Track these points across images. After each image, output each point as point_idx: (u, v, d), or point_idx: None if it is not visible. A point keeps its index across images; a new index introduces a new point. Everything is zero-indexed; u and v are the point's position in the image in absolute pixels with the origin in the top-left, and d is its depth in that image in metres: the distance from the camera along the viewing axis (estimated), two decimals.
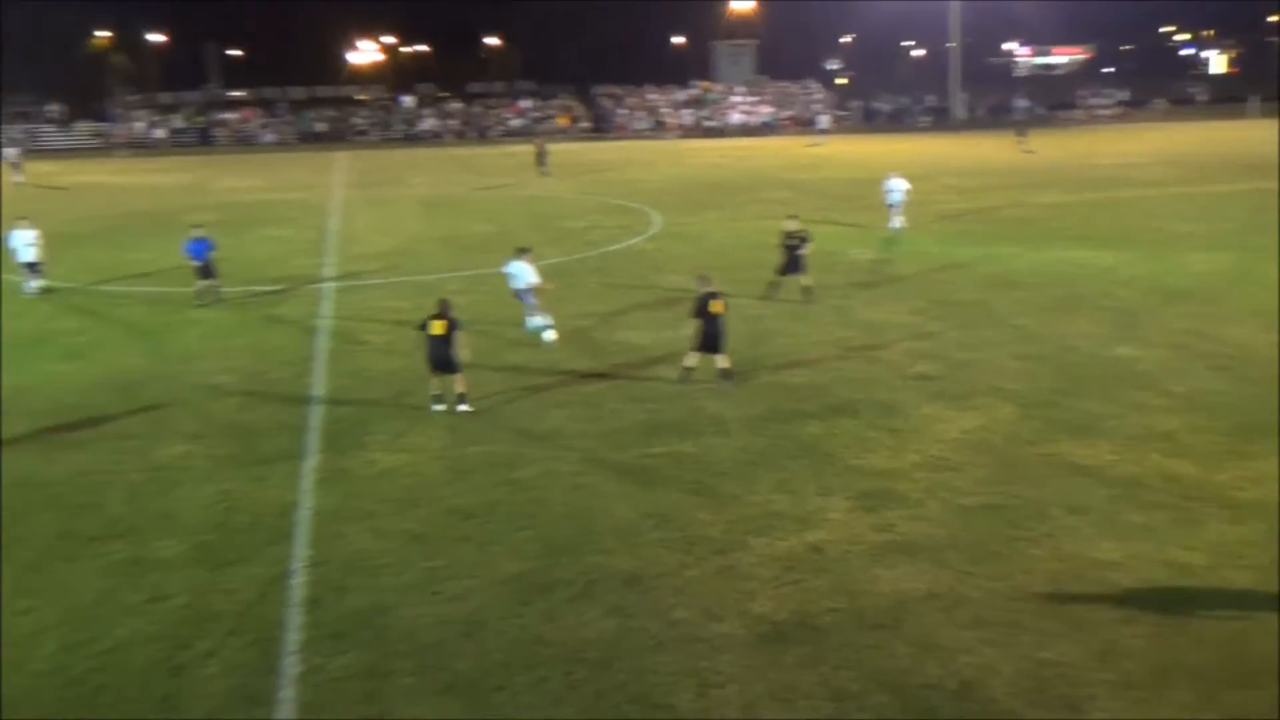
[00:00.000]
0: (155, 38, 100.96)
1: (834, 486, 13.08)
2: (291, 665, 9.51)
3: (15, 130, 74.17)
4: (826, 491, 12.94)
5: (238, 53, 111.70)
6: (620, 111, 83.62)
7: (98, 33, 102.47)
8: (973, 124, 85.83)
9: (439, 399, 16.24)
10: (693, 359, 17.07)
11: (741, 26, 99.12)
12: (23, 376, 18.44)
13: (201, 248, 23.44)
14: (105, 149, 71.31)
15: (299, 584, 10.97)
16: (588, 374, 17.89)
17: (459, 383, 16.15)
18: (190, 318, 22.50)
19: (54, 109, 79.41)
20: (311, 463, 14.26)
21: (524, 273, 19.98)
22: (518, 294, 20.25)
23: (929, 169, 48.68)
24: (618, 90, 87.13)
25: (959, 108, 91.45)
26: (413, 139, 77.13)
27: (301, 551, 11.70)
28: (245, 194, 45.61)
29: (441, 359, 15.89)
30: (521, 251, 20.32)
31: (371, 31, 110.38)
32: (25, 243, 24.35)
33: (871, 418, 15.47)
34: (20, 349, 20.30)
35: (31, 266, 24.49)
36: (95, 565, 11.45)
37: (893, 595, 10.45)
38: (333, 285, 25.75)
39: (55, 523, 12.49)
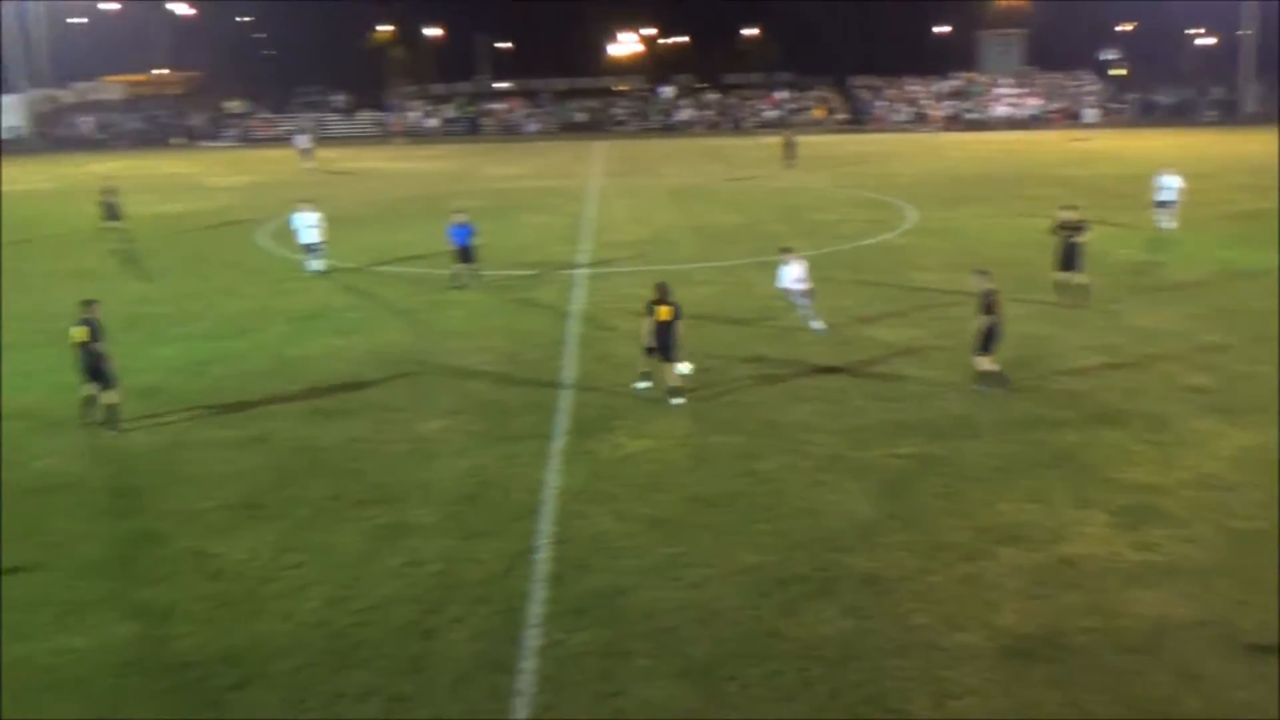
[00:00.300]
0: (432, 32, 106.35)
1: (1092, 499, 12.42)
2: (533, 637, 9.84)
3: (305, 119, 79.80)
4: (1083, 504, 12.30)
5: (506, 46, 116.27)
6: (878, 103, 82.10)
7: (381, 28, 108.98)
8: (1265, 118, 79.46)
9: (647, 376, 16.50)
10: (984, 361, 16.20)
11: (1010, 15, 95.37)
12: (302, 348, 19.83)
13: (463, 232, 24.46)
14: (383, 137, 75.75)
15: (543, 560, 11.34)
16: (834, 369, 17.67)
17: (669, 374, 16.21)
18: (452, 299, 23.59)
19: (339, 99, 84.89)
20: (559, 443, 14.70)
21: (789, 273, 19.90)
22: (787, 294, 20.20)
23: (1216, 166, 45.44)
24: (877, 81, 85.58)
25: (1250, 101, 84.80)
26: (669, 129, 78.19)
27: (547, 528, 12.09)
28: (508, 181, 47.43)
29: (662, 344, 15.98)
30: (785, 251, 20.23)
31: (632, 24, 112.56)
32: (307, 225, 26.05)
33: (1137, 429, 14.59)
34: (301, 322, 21.84)
35: (311, 247, 26.18)
36: (359, 528, 12.20)
37: (1152, 619, 9.83)
38: (585, 272, 26.44)
39: (325, 486, 13.39)
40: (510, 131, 79.14)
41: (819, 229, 31.98)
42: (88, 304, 15.74)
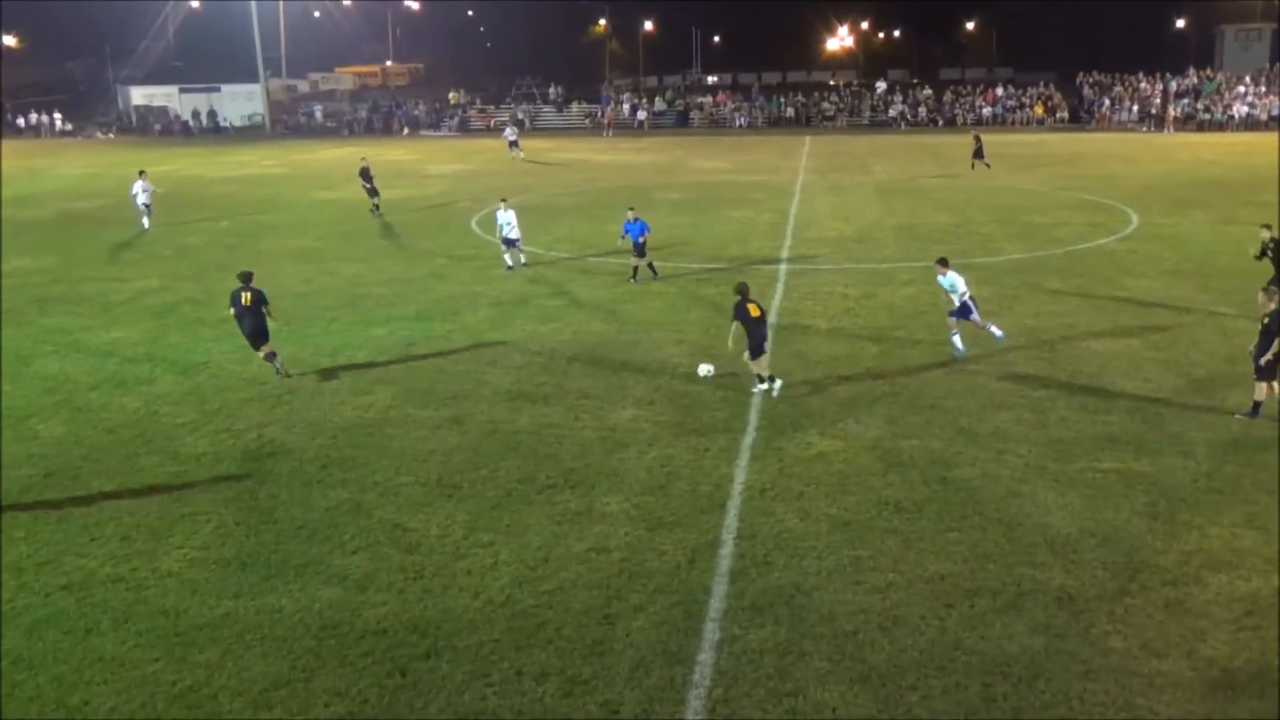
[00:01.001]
0: (646, 26, 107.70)
1: None
2: (712, 631, 9.85)
3: (519, 110, 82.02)
4: None
5: (718, 39, 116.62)
6: (1104, 101, 78.33)
7: (599, 22, 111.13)
8: None
9: (761, 379, 16.39)
10: (1262, 389, 14.86)
11: (1257, 9, 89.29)
12: (503, 333, 20.39)
13: (637, 228, 24.68)
14: (593, 129, 77.10)
15: (726, 554, 11.33)
16: (1038, 377, 16.98)
17: (763, 364, 16.27)
18: (651, 290, 23.82)
19: (553, 91, 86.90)
20: (749, 439, 14.65)
21: (950, 281, 18.82)
22: (961, 304, 18.59)
23: None
24: (1103, 78, 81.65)
25: None
26: (879, 125, 76.73)
27: (732, 523, 12.07)
28: (713, 175, 47.54)
29: (760, 341, 16.12)
30: (942, 263, 18.76)
31: (847, 18, 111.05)
32: (506, 221, 26.38)
33: None
34: (503, 308, 22.46)
35: (510, 242, 26.49)
36: (548, 511, 12.47)
37: None
38: (786, 268, 26.24)
39: (517, 469, 13.74)
40: (718, 125, 79.22)
41: (1033, 231, 30.78)
42: (247, 275, 18.12)
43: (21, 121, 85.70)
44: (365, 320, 21.55)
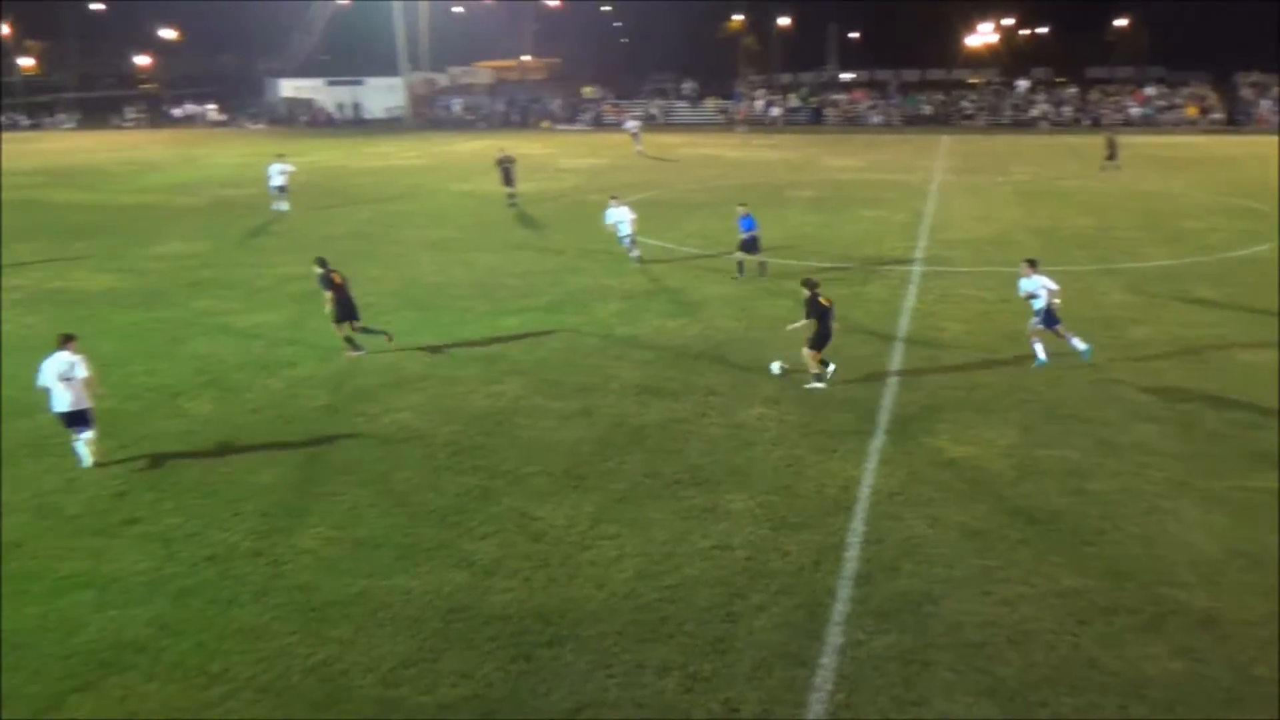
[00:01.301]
0: (782, 21, 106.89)
1: None
2: (835, 635, 9.75)
3: (653, 105, 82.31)
4: None
5: (856, 35, 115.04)
6: (1263, 102, 74.81)
7: (734, 18, 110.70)
8: None
9: (819, 378, 16.70)
10: None
11: None
12: (633, 327, 20.50)
13: (747, 224, 24.48)
14: (726, 124, 76.93)
15: (852, 558, 11.20)
16: (1185, 389, 16.34)
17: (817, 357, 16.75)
18: (782, 288, 23.64)
19: (688, 86, 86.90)
20: (878, 442, 14.45)
21: (1037, 285, 18.00)
22: (1038, 312, 17.76)
23: None
24: (1263, 78, 77.96)
25: None
26: (1021, 125, 74.73)
27: (858, 527, 11.92)
28: (846, 173, 46.97)
29: (828, 334, 16.61)
30: (1030, 264, 18.03)
31: (990, 13, 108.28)
32: (620, 219, 26.34)
33: None
34: (633, 301, 22.59)
35: (625, 239, 26.33)
36: (673, 507, 12.50)
37: None
38: (919, 269, 25.78)
39: (643, 463, 13.80)
40: (853, 122, 78.25)
41: (1182, 236, 29.63)
42: (323, 260, 19.14)
43: (178, 112, 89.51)
44: (498, 310, 21.91)
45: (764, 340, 19.43)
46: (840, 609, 10.21)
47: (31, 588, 10.73)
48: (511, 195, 37.01)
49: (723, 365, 17.99)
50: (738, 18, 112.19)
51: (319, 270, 18.93)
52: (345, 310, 18.68)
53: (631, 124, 58.63)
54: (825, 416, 15.43)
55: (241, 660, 9.46)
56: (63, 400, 13.71)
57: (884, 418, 15.37)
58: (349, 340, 18.82)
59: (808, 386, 16.62)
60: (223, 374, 17.80)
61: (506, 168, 36.93)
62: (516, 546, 11.55)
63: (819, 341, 16.58)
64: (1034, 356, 17.70)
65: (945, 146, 59.31)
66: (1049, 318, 17.54)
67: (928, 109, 79.02)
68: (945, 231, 31.15)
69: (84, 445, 13.92)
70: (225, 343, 19.70)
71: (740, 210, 24.70)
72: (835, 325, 16.79)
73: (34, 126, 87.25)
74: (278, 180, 36.00)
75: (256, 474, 13.56)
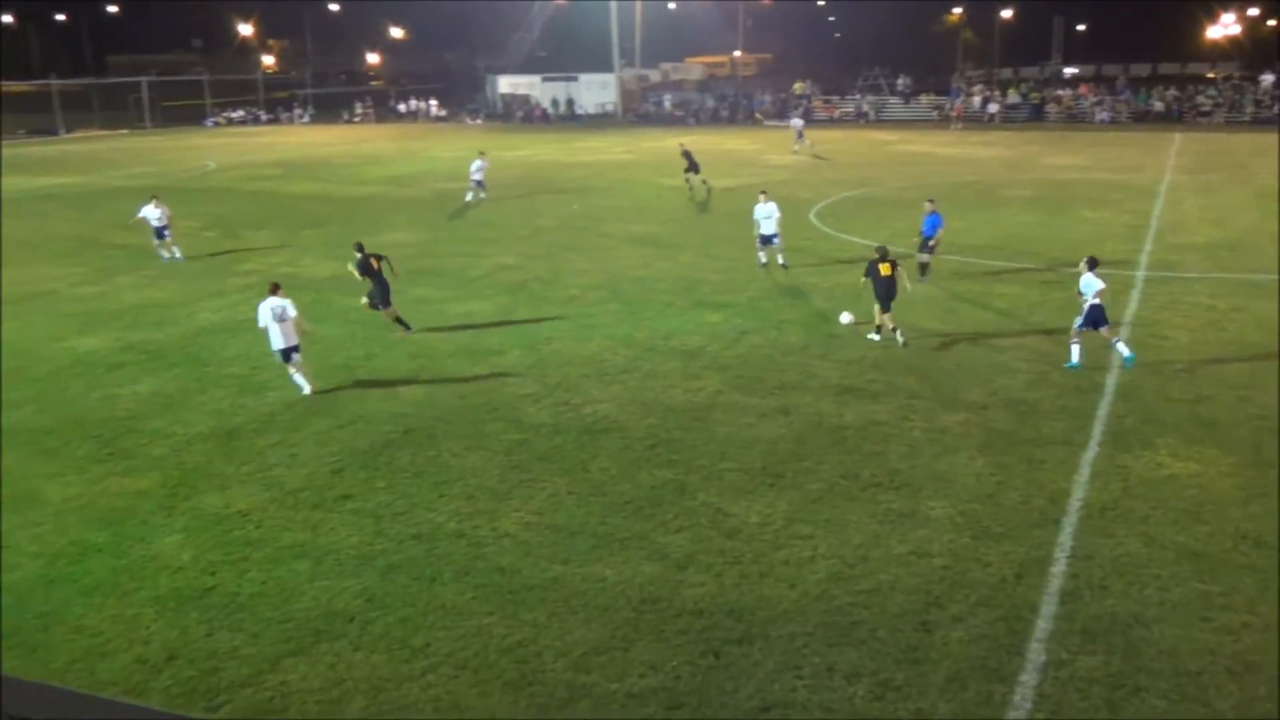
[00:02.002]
0: (1005, 14, 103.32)
1: None
2: (1037, 652, 9.38)
3: (865, 101, 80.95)
4: None
5: (1083, 28, 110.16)
6: None
7: (954, 11, 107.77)
8: None
9: (879, 330, 18.88)
10: None
11: None
12: (837, 326, 20.15)
13: (934, 222, 23.79)
14: (939, 122, 74.89)
15: (1058, 573, 10.74)
16: None
17: (890, 320, 18.70)
18: (992, 291, 22.89)
19: (902, 82, 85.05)
20: (1091, 454, 13.80)
21: (1091, 286, 16.97)
22: (1089, 311, 17.11)
23: None
24: None
25: None
26: (1265, 123, 69.85)
27: (1066, 541, 11.42)
28: (1067, 172, 45.01)
29: (888, 294, 18.68)
30: (1090, 263, 17.28)
31: (1234, 3, 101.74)
32: (765, 215, 25.51)
33: None
34: (838, 301, 22.22)
35: (766, 239, 25.57)
36: (870, 510, 12.27)
37: None
38: (1145, 274, 24.48)
39: (841, 464, 13.60)
40: (1076, 120, 74.85)
41: None
42: (360, 245, 20.62)
43: (402, 107, 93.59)
44: (700, 305, 22.00)
45: (972, 343, 18.85)
46: (1043, 625, 9.81)
47: (254, 555, 11.43)
48: (690, 180, 39.01)
49: (926, 368, 17.54)
50: (957, 11, 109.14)
51: (358, 255, 20.30)
52: (382, 296, 19.98)
53: (796, 121, 57.63)
54: (1035, 425, 14.85)
55: (442, 636, 9.81)
56: (278, 338, 16.48)
57: (1099, 429, 14.66)
58: (398, 321, 20.12)
59: (867, 336, 18.98)
60: (434, 360, 18.50)
61: (689, 155, 39.81)
62: (710, 542, 11.57)
63: (880, 303, 18.82)
64: (1070, 359, 17.41)
65: (1178, 145, 56.11)
66: (1092, 318, 17.13)
67: (1159, 105, 74.84)
68: (1175, 235, 29.46)
69: (299, 375, 16.72)
70: (438, 330, 20.46)
71: (928, 207, 24.08)
72: (904, 287, 19.09)
73: (271, 121, 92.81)
74: (477, 175, 38.21)
75: (462, 458, 14.04)
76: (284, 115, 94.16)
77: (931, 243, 23.74)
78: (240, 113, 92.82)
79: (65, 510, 12.60)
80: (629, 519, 12.16)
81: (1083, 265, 17.48)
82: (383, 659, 9.47)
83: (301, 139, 72.80)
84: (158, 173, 50.88)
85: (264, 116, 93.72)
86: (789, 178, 44.08)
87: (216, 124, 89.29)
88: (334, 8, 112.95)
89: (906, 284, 19.33)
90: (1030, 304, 21.72)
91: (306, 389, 16.62)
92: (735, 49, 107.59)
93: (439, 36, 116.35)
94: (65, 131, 78.51)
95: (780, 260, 25.60)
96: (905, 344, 18.58)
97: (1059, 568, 10.85)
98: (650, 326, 20.43)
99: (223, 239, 31.32)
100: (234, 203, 39.69)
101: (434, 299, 23.01)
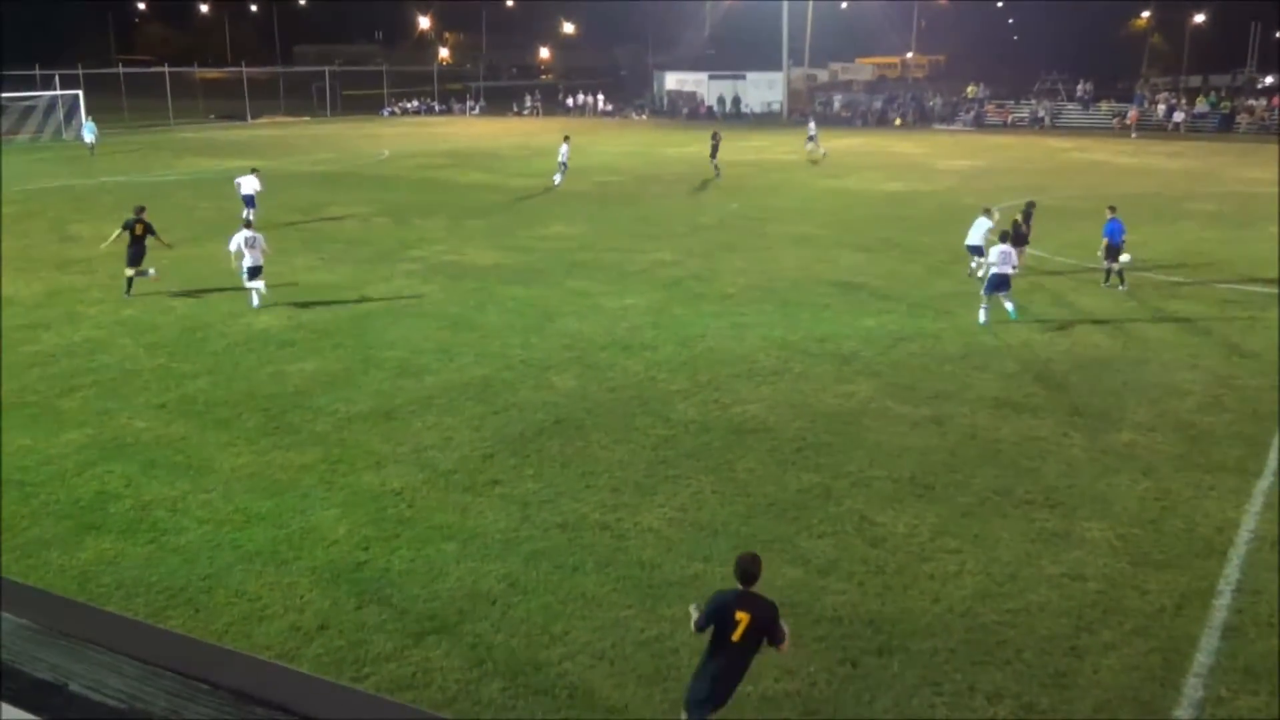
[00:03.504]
0: (1197, 18, 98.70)
1: None
2: (1194, 688, 8.96)
3: (1041, 107, 78.41)
4: None
5: None
6: None
7: (1141, 15, 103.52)
8: None
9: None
10: None
11: None
12: (997, 338, 19.63)
13: (1116, 229, 23.18)
14: (1119, 130, 72.00)
15: (1221, 607, 10.23)
16: None
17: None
18: (1168, 307, 21.92)
19: (1082, 88, 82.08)
20: (1265, 483, 13.10)
21: (978, 232, 18.91)
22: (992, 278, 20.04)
23: None
24: None
25: None
26: None
27: (1233, 574, 10.87)
28: (1258, 186, 42.70)
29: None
30: (1003, 236, 19.59)
31: None
32: (979, 228, 24.08)
33: None
34: (998, 313, 21.64)
35: (974, 249, 24.58)
36: (1022, 527, 11.90)
37: None
38: None
39: (994, 478, 13.23)
40: (1269, 131, 70.98)
41: None
42: (140, 208, 22.94)
43: (570, 101, 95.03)
44: (856, 310, 21.69)
45: (1143, 361, 18.09)
46: (1203, 660, 9.35)
47: (405, 533, 11.78)
48: (714, 164, 44.48)
49: (1092, 385, 16.91)
50: (1145, 15, 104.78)
51: (131, 216, 22.42)
52: (134, 258, 22.30)
53: (811, 125, 55.62)
54: (1206, 450, 14.16)
55: (581, 625, 9.94)
56: (248, 259, 21.32)
57: (1275, 458, 13.89)
58: (130, 280, 22.44)
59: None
60: (588, 352, 18.73)
61: (715, 142, 45.50)
62: (853, 550, 11.41)
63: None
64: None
65: None
66: (995, 283, 20.22)
67: None
68: None
69: (256, 293, 21.49)
70: (593, 322, 20.71)
71: (1109, 214, 23.56)
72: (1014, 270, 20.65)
73: (445, 112, 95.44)
74: (562, 157, 41.85)
75: (610, 450, 14.18)
76: (456, 107, 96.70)
77: (1115, 245, 23.13)
78: (415, 103, 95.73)
79: (233, 479, 13.22)
80: (773, 521, 12.08)
81: (982, 225, 22.30)
82: (522, 643, 9.64)
83: (472, 130, 74.66)
84: (335, 158, 52.94)
85: (437, 108, 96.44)
86: (956, 183, 43.07)
87: (392, 114, 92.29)
88: (510, 3, 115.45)
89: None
90: (1207, 323, 20.72)
91: (256, 302, 21.36)
92: (908, 50, 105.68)
93: (610, 32, 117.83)
94: (252, 118, 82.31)
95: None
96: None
97: (1223, 601, 10.33)
98: (805, 328, 20.25)
99: (393, 225, 32.36)
100: (405, 190, 40.98)
101: (591, 292, 23.28)
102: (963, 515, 12.22)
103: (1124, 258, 22.85)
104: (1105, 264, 23.76)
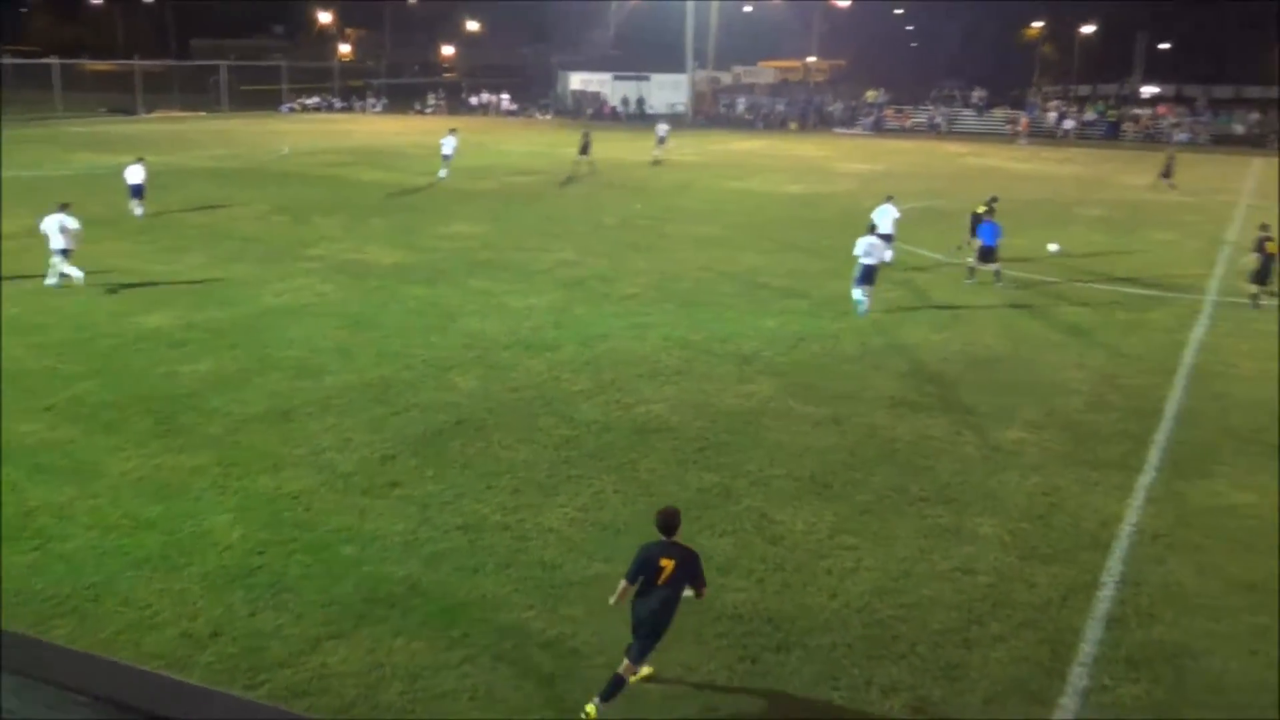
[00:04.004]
0: (1086, 29, 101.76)
1: None
2: (1079, 677, 9.26)
3: (938, 113, 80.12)
4: None
5: (1166, 46, 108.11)
6: None
7: (1033, 24, 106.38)
8: None
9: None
10: None
11: None
12: (892, 338, 20.08)
13: (991, 230, 24.28)
14: (1012, 136, 73.93)
15: (1105, 598, 10.59)
16: None
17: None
18: (1056, 309, 22.59)
19: (977, 95, 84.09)
20: (1147, 479, 13.58)
21: (863, 246, 21.08)
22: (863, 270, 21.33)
23: None
24: None
25: None
26: None
27: (1116, 566, 11.26)
28: (1141, 192, 44.27)
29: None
30: (870, 227, 21.46)
31: None
32: (883, 217, 25.85)
33: None
34: (894, 312, 22.10)
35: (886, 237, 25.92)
36: (917, 524, 12.17)
37: None
38: (1213, 299, 24.01)
39: (891, 477, 13.49)
40: (1153, 140, 73.50)
41: None
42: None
43: (474, 100, 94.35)
44: (758, 310, 21.93)
45: (1032, 361, 18.62)
46: (1087, 650, 9.66)
47: (301, 537, 11.58)
48: (580, 163, 45.92)
49: (984, 384, 17.35)
50: (1037, 24, 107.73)
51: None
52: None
53: (661, 127, 56.09)
54: (1091, 447, 14.63)
55: (482, 627, 9.88)
56: (58, 241, 21.90)
57: (1156, 454, 14.43)
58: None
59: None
60: (490, 351, 18.63)
61: (586, 141, 46.73)
62: (753, 548, 11.54)
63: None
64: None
65: (1257, 170, 54.93)
66: (865, 275, 21.43)
67: (1239, 128, 73.30)
68: (1246, 260, 28.81)
69: (60, 274, 22.10)
70: (496, 322, 20.61)
71: (982, 214, 24.84)
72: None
73: (346, 109, 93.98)
74: (447, 150, 43.18)
75: (512, 450, 14.13)
76: (358, 104, 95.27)
77: (989, 247, 24.25)
78: (315, 100, 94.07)
79: (122, 484, 12.85)
80: None
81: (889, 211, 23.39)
82: (422, 646, 9.56)
83: (374, 128, 73.66)
84: (233, 154, 51.81)
85: (338, 104, 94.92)
86: (856, 187, 43.78)
87: (292, 110, 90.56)
88: (412, 0, 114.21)
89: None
90: (1093, 324, 21.40)
91: (51, 280, 22.16)
92: (810, 54, 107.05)
93: (515, 31, 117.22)
94: (145, 112, 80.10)
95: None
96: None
97: (1107, 593, 10.69)
98: (707, 329, 20.41)
99: (292, 223, 31.79)
100: (305, 187, 40.28)
101: (494, 291, 23.16)
102: (860, 513, 12.44)
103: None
104: (973, 263, 24.88)
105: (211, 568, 10.86)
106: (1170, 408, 16.39)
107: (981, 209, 25.60)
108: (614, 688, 8.53)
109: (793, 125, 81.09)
